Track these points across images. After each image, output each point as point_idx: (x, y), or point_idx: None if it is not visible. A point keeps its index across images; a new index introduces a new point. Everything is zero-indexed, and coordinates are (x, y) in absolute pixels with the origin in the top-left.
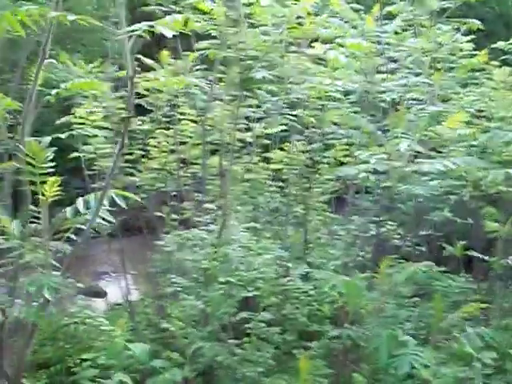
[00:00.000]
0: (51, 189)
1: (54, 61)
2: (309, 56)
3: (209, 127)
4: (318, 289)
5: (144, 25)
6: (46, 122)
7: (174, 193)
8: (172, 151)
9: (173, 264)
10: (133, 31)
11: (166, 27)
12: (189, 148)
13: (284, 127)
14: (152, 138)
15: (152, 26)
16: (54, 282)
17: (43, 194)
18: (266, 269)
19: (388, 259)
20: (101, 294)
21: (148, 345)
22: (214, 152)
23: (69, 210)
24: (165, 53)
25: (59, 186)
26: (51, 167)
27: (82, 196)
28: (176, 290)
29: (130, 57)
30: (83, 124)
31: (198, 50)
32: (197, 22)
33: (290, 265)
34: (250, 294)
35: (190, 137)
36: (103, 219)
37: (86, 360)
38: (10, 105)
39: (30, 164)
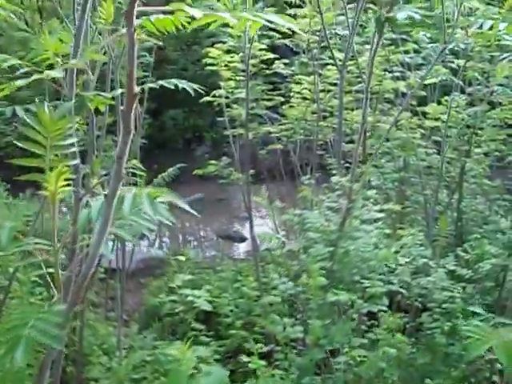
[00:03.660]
0: (57, 182)
1: None
2: None
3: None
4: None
5: None
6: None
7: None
8: (313, 100)
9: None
10: None
11: None
12: (330, 97)
13: (444, 78)
14: (296, 83)
15: None
16: None
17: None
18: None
19: None
20: (244, 239)
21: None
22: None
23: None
24: None
25: None
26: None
27: None
28: None
29: None
30: (215, 65)
31: None
32: None
33: (431, 263)
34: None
35: (335, 84)
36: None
37: None
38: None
39: (35, 141)
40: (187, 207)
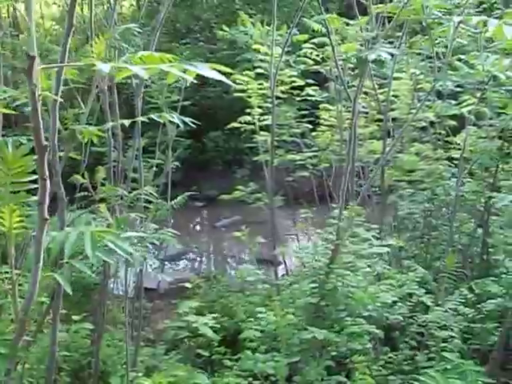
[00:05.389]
0: (11, 219)
1: None
2: None
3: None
4: None
5: None
6: None
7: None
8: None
9: None
10: None
11: None
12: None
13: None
14: (326, 109)
15: None
16: None
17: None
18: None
19: None
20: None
21: None
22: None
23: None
24: (333, 16)
25: None
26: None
27: None
28: None
29: None
30: (243, 92)
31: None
32: None
33: (428, 302)
34: None
35: (366, 112)
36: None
37: None
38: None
39: None
40: (128, 247)
